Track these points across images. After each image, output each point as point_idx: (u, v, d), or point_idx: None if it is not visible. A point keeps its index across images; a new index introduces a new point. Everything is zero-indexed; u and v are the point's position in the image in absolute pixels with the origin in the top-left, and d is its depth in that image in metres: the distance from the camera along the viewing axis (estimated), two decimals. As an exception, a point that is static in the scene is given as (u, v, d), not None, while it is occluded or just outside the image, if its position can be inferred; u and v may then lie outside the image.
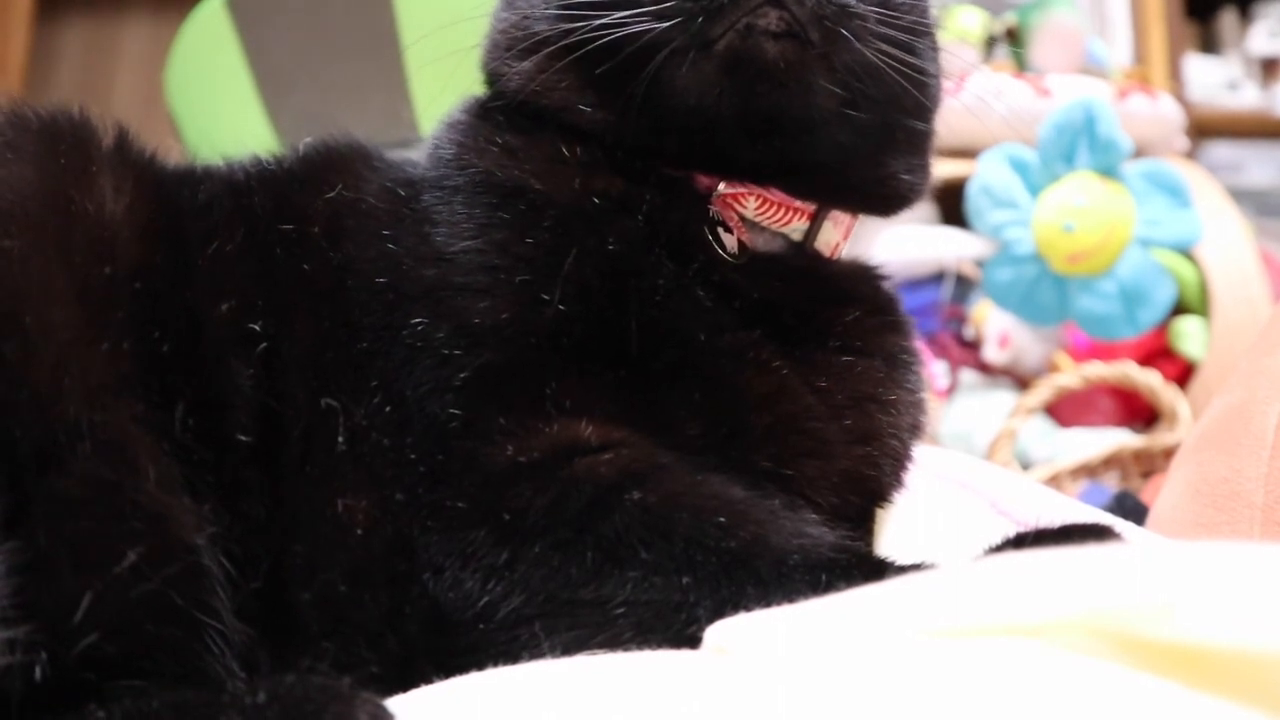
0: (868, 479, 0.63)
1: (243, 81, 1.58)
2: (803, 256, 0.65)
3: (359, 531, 0.54)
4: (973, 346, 1.76)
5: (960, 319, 1.79)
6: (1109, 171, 1.36)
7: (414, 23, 1.46)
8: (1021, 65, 1.81)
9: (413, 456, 0.55)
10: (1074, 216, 1.33)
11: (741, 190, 0.63)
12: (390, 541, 0.54)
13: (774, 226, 0.64)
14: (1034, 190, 1.38)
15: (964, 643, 0.35)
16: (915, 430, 0.67)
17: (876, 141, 0.64)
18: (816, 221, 0.65)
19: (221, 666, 0.49)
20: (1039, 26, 1.85)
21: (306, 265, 0.60)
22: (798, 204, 0.64)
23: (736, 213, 0.63)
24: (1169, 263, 1.41)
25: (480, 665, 0.49)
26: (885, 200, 0.69)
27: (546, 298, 0.57)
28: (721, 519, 0.51)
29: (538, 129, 0.63)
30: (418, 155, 0.68)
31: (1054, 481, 1.29)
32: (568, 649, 0.50)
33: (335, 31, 1.54)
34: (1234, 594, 0.33)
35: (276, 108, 1.58)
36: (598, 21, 0.58)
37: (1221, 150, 3.05)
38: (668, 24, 0.57)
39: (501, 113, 0.65)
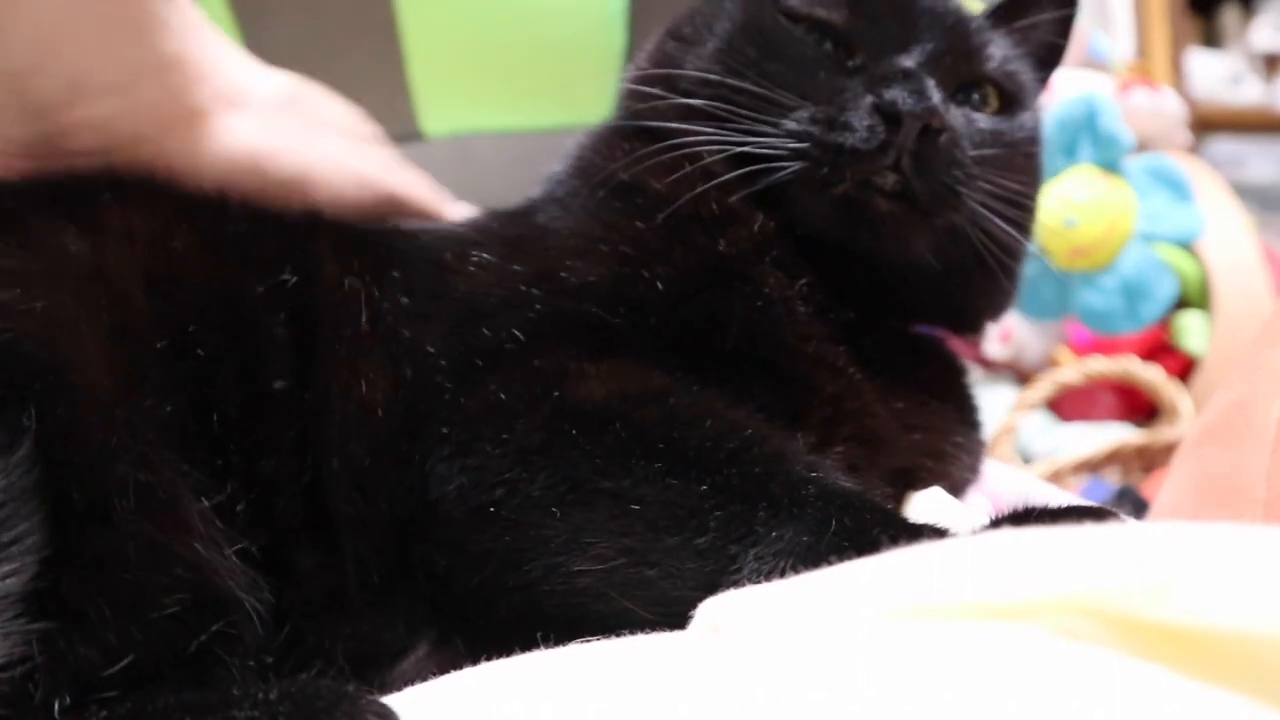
0: (922, 483, 0.64)
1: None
2: None
3: (380, 413, 0.56)
4: (973, 342, 1.76)
5: (961, 314, 1.78)
6: (1111, 166, 1.35)
7: (414, 17, 1.46)
8: (1023, 60, 1.80)
9: (431, 350, 0.57)
10: (1075, 211, 1.32)
11: None
12: (403, 421, 0.55)
13: None
14: (1035, 185, 1.38)
15: (956, 625, 0.35)
16: (972, 472, 0.71)
17: (963, 280, 0.69)
18: None
19: (239, 690, 0.49)
20: (1041, 21, 1.84)
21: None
22: None
23: None
24: (1171, 258, 1.40)
25: (471, 545, 0.52)
26: (963, 323, 0.76)
27: (646, 275, 0.59)
28: (749, 432, 0.53)
29: (664, 148, 0.66)
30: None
31: (1055, 477, 1.29)
32: (576, 533, 0.51)
33: (335, 26, 1.54)
34: (1233, 575, 0.33)
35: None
36: (736, 124, 0.63)
37: (1224, 145, 3.05)
38: (797, 165, 0.61)
39: (632, 130, 0.69)
